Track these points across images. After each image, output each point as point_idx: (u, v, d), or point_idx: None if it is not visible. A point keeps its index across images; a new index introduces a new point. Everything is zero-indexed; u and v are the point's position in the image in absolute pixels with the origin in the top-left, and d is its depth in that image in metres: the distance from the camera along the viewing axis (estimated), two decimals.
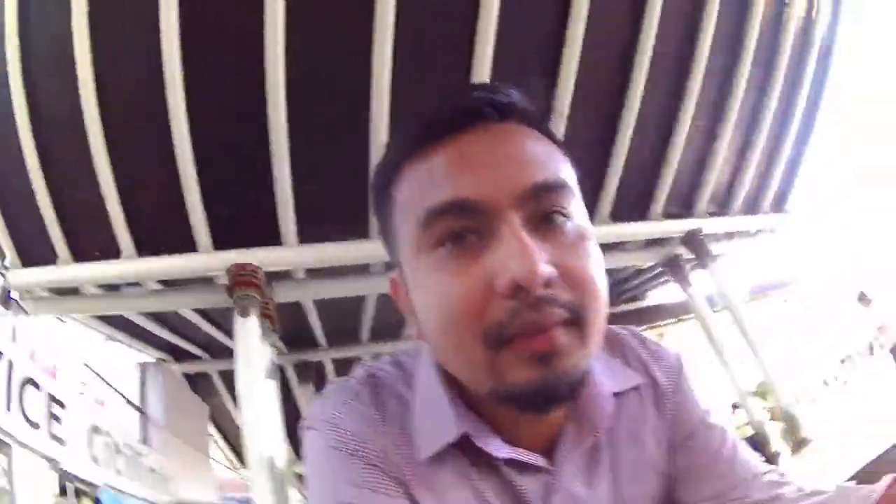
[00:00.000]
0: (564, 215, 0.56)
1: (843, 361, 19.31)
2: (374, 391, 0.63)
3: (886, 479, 0.52)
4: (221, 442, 15.13)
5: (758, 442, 8.84)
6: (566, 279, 0.52)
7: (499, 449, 0.59)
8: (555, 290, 0.51)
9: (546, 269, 0.50)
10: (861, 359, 17.30)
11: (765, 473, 0.68)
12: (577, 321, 0.52)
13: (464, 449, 0.60)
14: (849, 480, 0.67)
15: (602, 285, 0.55)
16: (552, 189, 0.55)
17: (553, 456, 0.63)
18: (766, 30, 8.18)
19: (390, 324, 10.28)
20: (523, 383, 0.51)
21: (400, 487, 0.58)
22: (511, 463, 0.61)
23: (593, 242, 0.57)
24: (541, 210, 0.54)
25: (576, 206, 0.58)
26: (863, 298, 7.02)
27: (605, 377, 0.67)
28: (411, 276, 0.59)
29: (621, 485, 0.67)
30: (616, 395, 0.66)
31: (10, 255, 7.25)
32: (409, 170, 0.59)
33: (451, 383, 0.61)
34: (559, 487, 0.63)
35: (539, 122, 0.61)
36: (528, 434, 0.62)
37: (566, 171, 0.58)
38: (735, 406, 9.24)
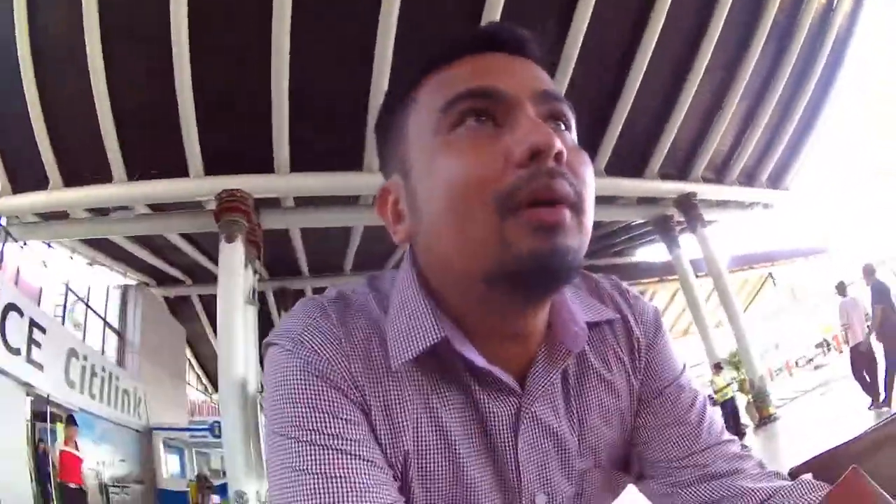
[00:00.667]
0: (569, 123, 0.58)
1: (817, 346, 19.78)
2: (343, 310, 0.61)
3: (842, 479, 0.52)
4: (197, 366, 15.36)
5: (728, 409, 9.13)
6: (570, 169, 0.53)
7: (476, 358, 0.58)
8: (565, 170, 0.52)
9: (560, 143, 0.51)
10: (834, 347, 17.76)
11: (728, 443, 0.68)
12: (578, 208, 0.53)
13: (432, 366, 0.59)
14: (806, 463, 0.66)
15: (594, 192, 0.56)
16: (560, 99, 0.58)
17: (524, 382, 0.62)
18: (786, 6, 8.08)
19: (374, 256, 10.39)
20: (529, 252, 0.50)
21: (362, 412, 0.57)
22: (482, 380, 0.60)
23: (587, 155, 0.58)
24: (550, 113, 0.56)
25: (573, 123, 0.60)
26: (841, 289, 7.27)
27: (579, 307, 0.66)
28: (422, 164, 0.58)
29: (587, 422, 0.67)
30: (589, 326, 0.64)
31: (2, 182, 7.19)
32: (435, 76, 0.59)
33: (433, 296, 0.60)
34: (528, 412, 0.62)
35: (546, 64, 0.62)
36: (501, 355, 0.60)
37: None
38: (718, 366, 9.45)
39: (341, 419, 0.55)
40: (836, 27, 9.18)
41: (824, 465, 0.63)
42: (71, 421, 7.06)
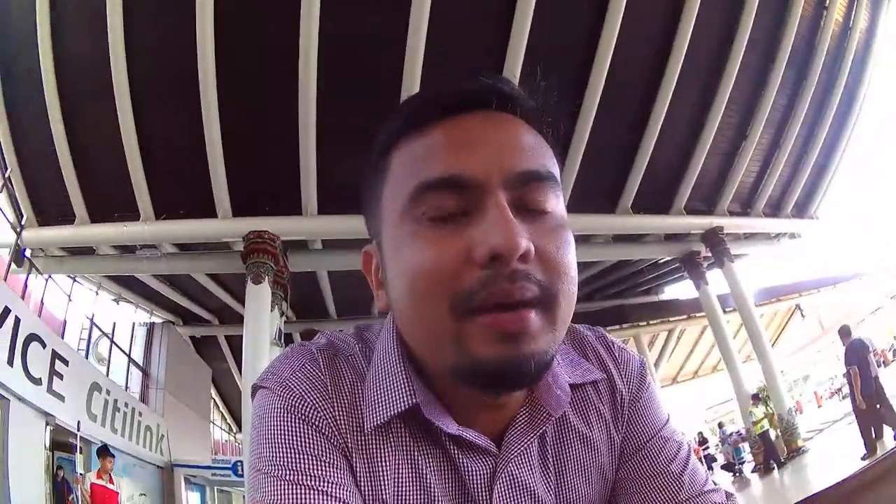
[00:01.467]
0: (546, 205, 0.55)
1: (844, 375, 19.26)
2: (330, 358, 0.62)
3: None
4: (222, 405, 15.33)
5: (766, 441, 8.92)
6: (542, 261, 0.52)
7: (448, 426, 0.58)
8: (530, 268, 0.50)
9: (524, 242, 0.49)
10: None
11: (712, 493, 0.67)
12: (547, 303, 0.51)
13: (411, 424, 0.60)
14: (806, 500, 0.66)
15: (574, 274, 0.55)
16: (539, 178, 0.55)
17: (502, 442, 0.62)
18: (803, 33, 8.10)
19: None
20: (489, 358, 0.50)
21: (343, 457, 0.57)
22: (458, 442, 0.59)
23: (570, 233, 0.57)
24: (525, 197, 0.54)
25: (557, 197, 0.58)
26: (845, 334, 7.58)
27: (563, 368, 0.66)
28: (390, 244, 0.57)
29: (566, 481, 0.66)
30: (572, 387, 0.65)
31: (27, 213, 7.27)
32: (406, 143, 0.58)
33: (410, 358, 0.60)
34: (503, 472, 0.61)
35: (535, 116, 0.60)
36: (480, 419, 0.60)
37: (553, 165, 0.58)
38: (756, 397, 9.29)
39: (323, 462, 0.55)
40: (853, 49, 9.15)
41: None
42: (105, 452, 6.97)
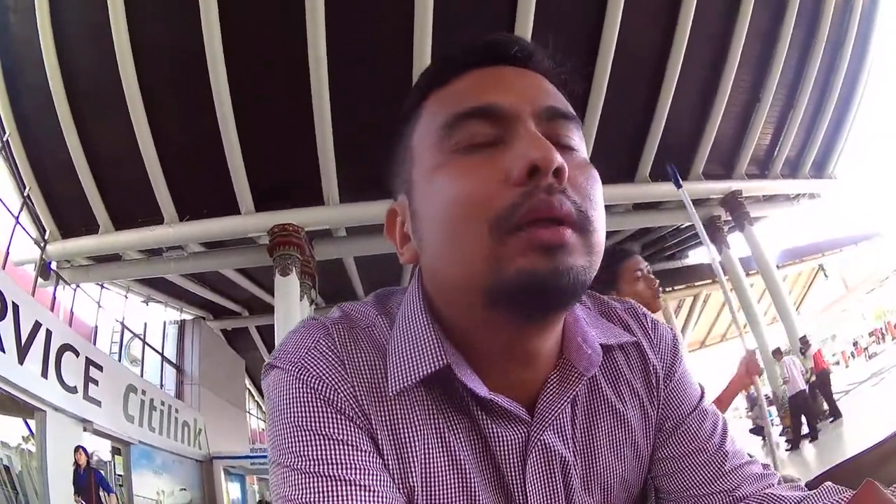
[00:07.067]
0: (572, 142, 0.56)
1: (870, 335, 19.09)
2: (347, 331, 0.60)
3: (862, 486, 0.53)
4: (257, 395, 15.53)
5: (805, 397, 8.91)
6: (573, 188, 0.51)
7: (479, 389, 0.55)
8: (566, 188, 0.50)
9: (559, 157, 0.49)
10: (889, 335, 17.17)
11: (750, 464, 0.66)
12: (582, 224, 0.51)
13: (435, 392, 0.57)
14: (824, 473, 0.67)
15: (602, 209, 0.54)
16: (566, 116, 0.56)
17: (534, 409, 0.59)
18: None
19: None
20: (528, 270, 0.48)
21: (366, 435, 0.55)
22: (488, 408, 0.57)
23: (596, 172, 0.56)
24: (554, 132, 0.54)
25: (581, 140, 0.58)
26: (777, 353, 8.34)
27: (592, 329, 0.64)
28: (422, 182, 0.57)
29: (595, 454, 0.63)
30: (602, 349, 0.62)
31: (50, 227, 7.41)
32: (439, 92, 0.59)
33: (438, 317, 0.59)
34: (537, 440, 0.59)
35: (554, 75, 0.61)
36: (511, 382, 0.58)
37: (573, 112, 0.59)
38: (778, 352, 9.32)
39: (348, 445, 0.53)
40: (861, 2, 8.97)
41: (841, 477, 0.63)
42: None
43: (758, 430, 11.55)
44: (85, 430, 6.43)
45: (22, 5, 5.86)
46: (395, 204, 0.63)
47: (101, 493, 6.20)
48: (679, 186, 3.13)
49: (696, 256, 12.46)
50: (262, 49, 6.32)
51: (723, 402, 2.25)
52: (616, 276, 2.03)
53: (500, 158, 0.51)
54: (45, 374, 5.83)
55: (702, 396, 0.70)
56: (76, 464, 5.88)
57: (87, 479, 6.00)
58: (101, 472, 6.51)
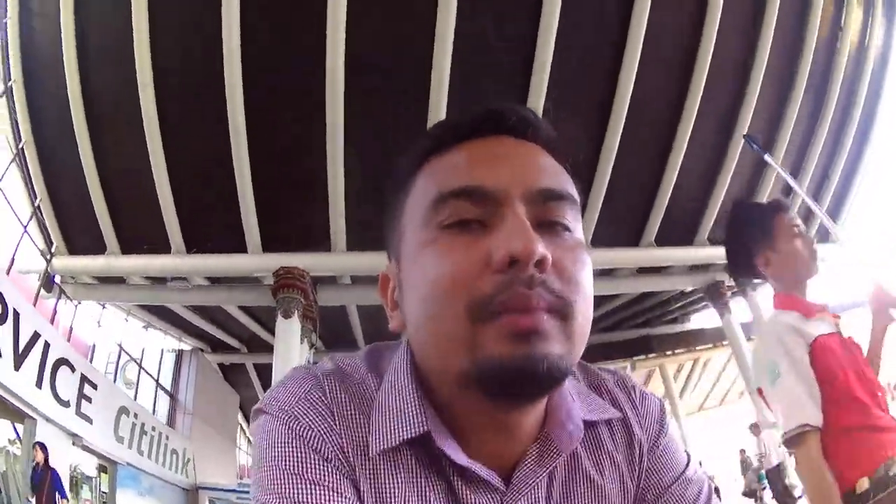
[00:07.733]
0: (565, 224, 0.56)
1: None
2: (338, 383, 0.60)
3: None
4: (249, 431, 15.35)
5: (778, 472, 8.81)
6: (558, 274, 0.52)
7: (458, 457, 0.56)
8: (547, 277, 0.51)
9: (542, 248, 0.49)
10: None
11: None
12: (563, 314, 0.51)
13: (419, 453, 0.58)
14: None
15: (590, 293, 0.55)
16: (559, 197, 0.56)
17: (511, 479, 0.59)
18: (819, 57, 8.07)
19: None
20: (503, 358, 0.49)
21: (351, 484, 0.55)
22: (465, 476, 0.57)
23: (587, 255, 0.57)
24: (545, 214, 0.55)
25: (576, 219, 0.58)
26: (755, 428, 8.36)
27: (578, 403, 0.64)
28: (409, 254, 0.58)
29: None
30: (586, 424, 0.63)
31: (57, 241, 7.45)
32: (431, 163, 0.59)
33: (423, 382, 0.59)
34: None
35: (555, 146, 0.62)
36: (490, 451, 0.58)
37: (572, 189, 0.59)
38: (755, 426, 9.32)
39: (334, 491, 0.53)
40: (870, 69, 9.04)
41: None
42: None
43: (751, 494, 11.41)
44: (74, 444, 6.44)
45: (48, 9, 5.98)
46: (387, 268, 0.66)
47: (56, 496, 6.07)
48: (765, 154, 3.85)
49: (698, 320, 12.47)
50: (280, 90, 6.43)
51: (874, 350, 1.90)
52: (772, 232, 1.82)
53: (485, 241, 0.52)
54: (39, 384, 5.92)
55: (687, 464, 0.70)
56: (34, 461, 5.79)
57: (43, 478, 5.89)
58: (78, 478, 6.56)
